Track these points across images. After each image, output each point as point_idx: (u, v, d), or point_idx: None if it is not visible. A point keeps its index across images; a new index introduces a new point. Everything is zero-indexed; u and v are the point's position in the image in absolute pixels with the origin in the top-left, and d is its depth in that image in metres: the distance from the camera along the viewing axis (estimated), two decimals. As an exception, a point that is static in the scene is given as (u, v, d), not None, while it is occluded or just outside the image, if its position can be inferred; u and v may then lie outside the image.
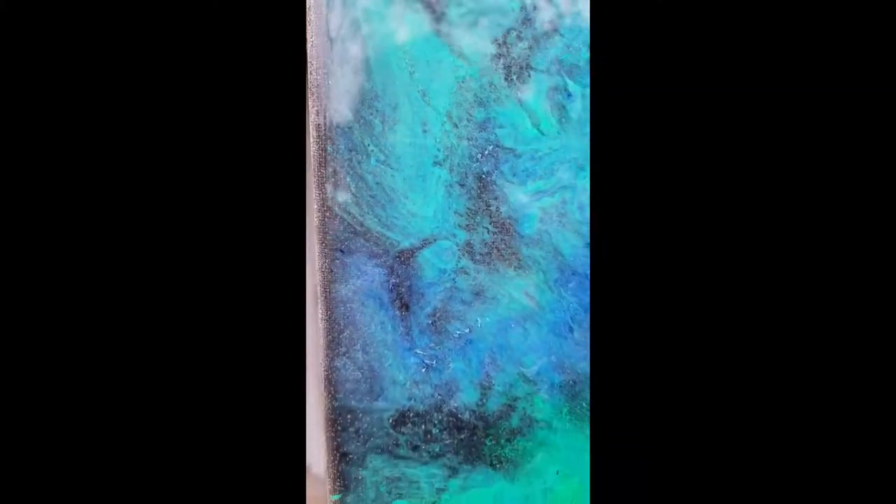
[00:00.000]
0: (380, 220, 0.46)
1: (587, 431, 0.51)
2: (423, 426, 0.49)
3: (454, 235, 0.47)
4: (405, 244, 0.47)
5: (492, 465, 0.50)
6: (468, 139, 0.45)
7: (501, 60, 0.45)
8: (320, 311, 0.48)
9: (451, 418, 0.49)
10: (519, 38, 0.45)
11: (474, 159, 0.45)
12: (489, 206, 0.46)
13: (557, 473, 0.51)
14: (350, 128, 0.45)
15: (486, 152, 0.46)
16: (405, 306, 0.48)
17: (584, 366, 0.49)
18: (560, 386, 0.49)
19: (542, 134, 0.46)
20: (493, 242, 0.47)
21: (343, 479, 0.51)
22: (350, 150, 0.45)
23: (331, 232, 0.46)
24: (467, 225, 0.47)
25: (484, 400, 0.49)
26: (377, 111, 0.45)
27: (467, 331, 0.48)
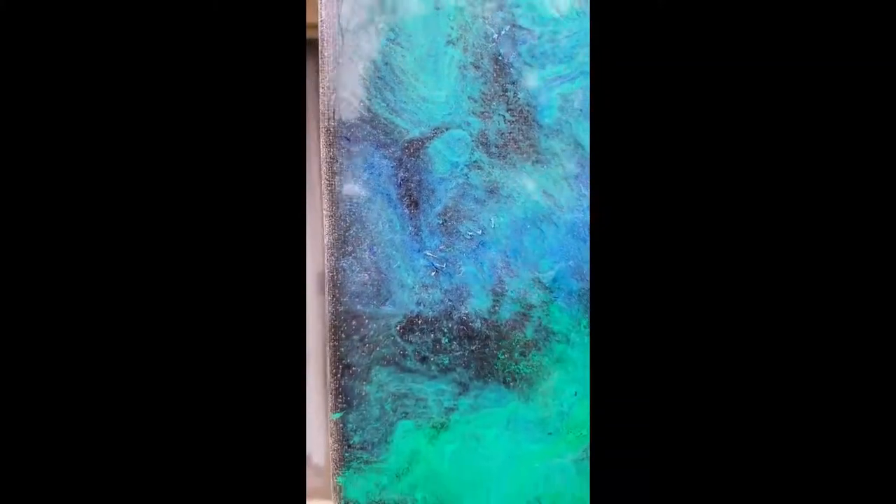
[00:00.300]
0: (388, 104, 0.43)
1: (608, 347, 0.47)
2: (431, 335, 0.46)
3: (468, 124, 0.44)
4: (415, 133, 0.44)
5: (505, 382, 0.47)
6: (484, 17, 0.42)
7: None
8: (324, 208, 0.45)
9: (461, 327, 0.46)
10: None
11: (490, 39, 0.43)
12: (506, 91, 0.44)
13: (576, 395, 0.48)
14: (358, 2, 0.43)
15: (503, 32, 0.43)
16: (414, 203, 0.45)
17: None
18: (578, 294, 0.46)
19: (562, 16, 0.43)
20: (510, 133, 0.44)
21: (345, 394, 0.48)
22: (358, 28, 0.43)
23: (335, 117, 0.44)
24: (482, 112, 0.44)
25: (496, 308, 0.46)
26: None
27: (480, 232, 0.45)
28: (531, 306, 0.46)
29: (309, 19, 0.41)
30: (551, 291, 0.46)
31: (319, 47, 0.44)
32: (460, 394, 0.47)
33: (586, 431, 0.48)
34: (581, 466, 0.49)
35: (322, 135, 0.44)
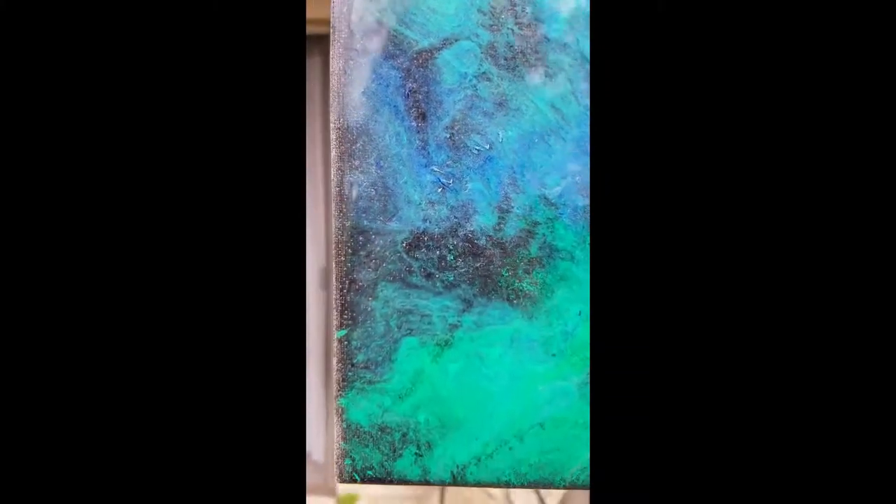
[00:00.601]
0: (398, 16, 0.44)
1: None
2: (437, 251, 0.47)
3: (477, 35, 0.44)
4: (424, 44, 0.44)
5: (508, 299, 0.47)
6: (494, -73, 0.43)
7: None
8: (333, 119, 0.46)
9: (466, 244, 0.46)
10: None
11: (500, -50, 0.43)
12: (514, 4, 0.44)
13: (580, 314, 0.48)
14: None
15: (513, -57, 0.43)
16: (422, 116, 0.45)
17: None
18: (584, 210, 0.46)
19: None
20: (519, 46, 0.44)
21: (351, 310, 0.48)
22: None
23: (346, 28, 0.44)
24: (491, 25, 0.44)
25: (502, 225, 0.46)
26: None
27: (487, 146, 0.45)
28: (536, 223, 0.46)
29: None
30: (557, 208, 0.46)
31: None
32: (464, 311, 0.47)
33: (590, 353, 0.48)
34: (586, 391, 0.49)
35: (332, 45, 0.44)
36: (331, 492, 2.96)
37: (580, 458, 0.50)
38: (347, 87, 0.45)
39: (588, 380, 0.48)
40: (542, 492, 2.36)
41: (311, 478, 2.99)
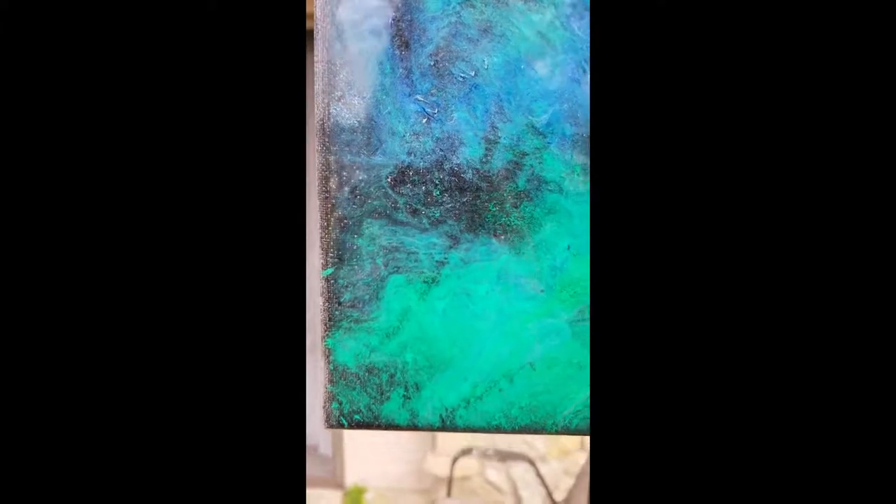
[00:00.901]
0: (380, -61, 0.43)
1: (602, 200, 0.46)
2: (423, 186, 0.46)
3: (459, -41, 0.43)
4: (406, -32, 0.43)
5: (495, 234, 0.46)
6: None
7: None
8: (317, 52, 0.45)
9: (452, 178, 0.45)
10: None
11: None
12: (497, -75, 0.43)
13: (569, 249, 0.47)
14: None
15: None
16: (405, 44, 0.44)
17: (600, 117, 0.45)
18: (572, 139, 0.45)
19: None
20: (502, -31, 0.43)
21: (336, 249, 0.47)
22: None
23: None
24: (473, -52, 0.43)
25: (489, 157, 0.45)
26: None
27: (472, 73, 0.44)
28: (524, 154, 0.45)
29: None
30: (544, 136, 0.45)
31: None
32: (451, 247, 0.46)
33: (580, 290, 0.47)
34: (577, 329, 0.47)
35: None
36: (338, 485, 2.96)
37: (573, 401, 0.48)
38: (330, 17, 0.44)
39: (580, 318, 0.47)
40: (550, 485, 2.34)
41: (318, 471, 2.98)
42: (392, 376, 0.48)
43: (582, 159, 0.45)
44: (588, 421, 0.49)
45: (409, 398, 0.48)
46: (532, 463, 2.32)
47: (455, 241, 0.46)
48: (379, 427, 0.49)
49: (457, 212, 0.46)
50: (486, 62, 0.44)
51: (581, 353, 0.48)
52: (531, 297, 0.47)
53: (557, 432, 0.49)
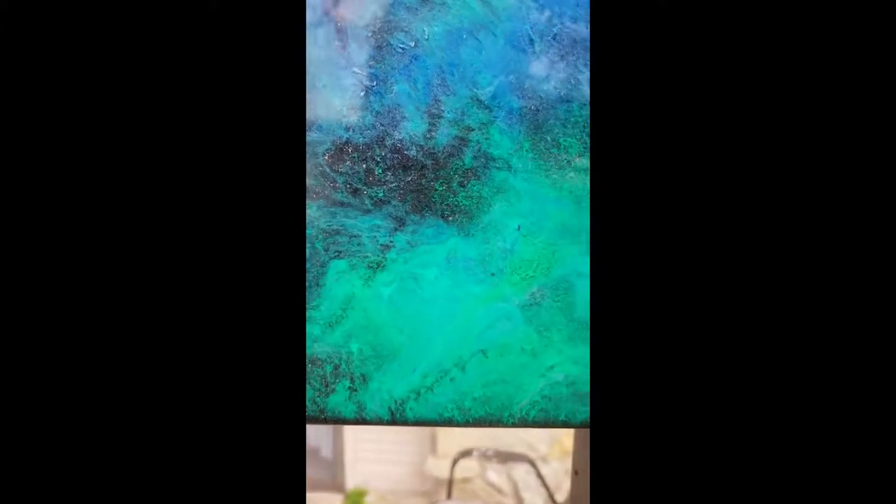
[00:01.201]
0: None
1: (554, 177, 0.43)
2: (364, 164, 0.43)
3: (394, -79, 0.41)
4: (339, -68, 0.41)
5: (443, 215, 0.44)
6: None
7: None
8: (247, 22, 0.42)
9: (395, 155, 0.43)
10: None
11: None
12: None
13: (519, 229, 0.44)
14: None
15: None
16: (340, 14, 0.42)
17: (547, 88, 0.42)
18: (520, 113, 0.42)
19: None
20: (440, -69, 0.41)
21: (276, 232, 0.44)
22: None
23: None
24: None
25: (432, 132, 0.43)
26: None
27: (412, 44, 0.42)
28: (469, 129, 0.43)
29: None
30: (490, 110, 0.42)
31: None
32: (396, 229, 0.44)
33: (532, 272, 0.44)
34: (529, 313, 0.45)
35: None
36: (339, 488, 2.93)
37: (529, 391, 0.46)
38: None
39: (532, 301, 0.45)
40: (551, 487, 2.31)
41: (319, 474, 2.96)
42: (337, 367, 0.45)
43: (530, 134, 0.43)
44: (546, 413, 0.46)
45: (356, 390, 0.46)
46: (533, 464, 2.29)
47: (400, 222, 0.44)
48: (325, 421, 0.46)
49: (401, 191, 0.43)
50: (426, 32, 0.42)
51: (534, 340, 0.45)
52: (481, 281, 0.44)
53: (514, 425, 0.46)
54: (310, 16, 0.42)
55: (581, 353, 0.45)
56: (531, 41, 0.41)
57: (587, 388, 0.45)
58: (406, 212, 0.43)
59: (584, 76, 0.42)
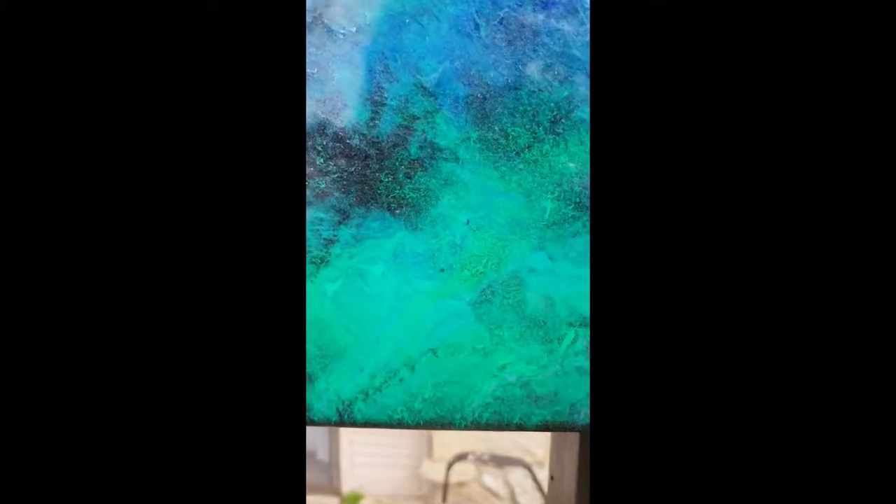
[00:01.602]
0: None
1: (503, 168, 0.42)
2: (304, 154, 0.41)
3: None
4: (275, -88, 0.39)
5: (389, 208, 0.42)
6: None
7: None
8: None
9: (337, 144, 0.41)
10: None
11: None
12: None
13: (468, 223, 0.42)
14: None
15: None
16: None
17: (494, 75, 0.40)
18: (466, 101, 0.41)
19: None
20: (380, -89, 0.39)
21: (217, 226, 0.43)
22: None
23: None
24: None
25: (376, 120, 0.41)
26: None
27: (353, 30, 0.40)
28: (414, 118, 0.41)
29: None
30: (435, 98, 0.40)
31: None
32: (340, 222, 0.42)
33: (482, 268, 0.42)
34: (480, 311, 0.43)
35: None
36: (335, 491, 2.92)
37: (480, 392, 0.44)
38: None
39: (483, 299, 0.43)
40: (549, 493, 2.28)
41: (316, 477, 2.94)
42: (281, 366, 0.43)
43: (477, 124, 0.41)
44: (500, 416, 0.44)
45: (302, 390, 0.44)
46: (529, 468, 2.26)
47: (344, 215, 0.42)
48: (271, 422, 0.45)
49: (344, 182, 0.41)
50: (367, 17, 0.40)
51: (485, 338, 0.43)
52: (430, 277, 0.43)
53: (466, 427, 0.45)
54: (248, 0, 0.40)
55: (533, 351, 0.43)
56: (476, 26, 0.40)
57: (541, 390, 0.44)
58: (350, 204, 0.42)
59: (535, 64, 0.40)
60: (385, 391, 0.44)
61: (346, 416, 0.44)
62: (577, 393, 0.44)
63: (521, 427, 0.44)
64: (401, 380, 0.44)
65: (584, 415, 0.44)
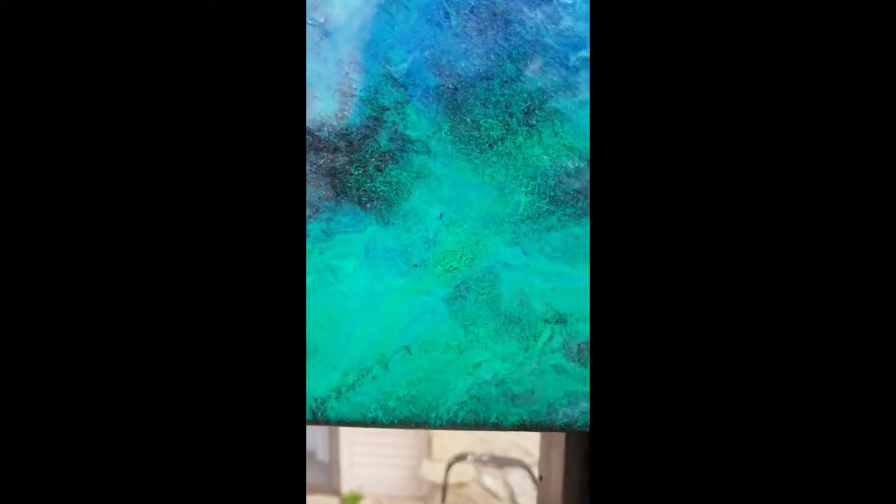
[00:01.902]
0: None
1: (476, 161, 0.41)
2: (273, 148, 0.40)
3: None
4: None
5: (360, 202, 0.41)
6: None
7: None
8: None
9: (306, 136, 0.40)
10: None
11: None
12: None
13: (441, 218, 0.41)
14: None
15: None
16: (246, -13, 0.39)
17: (465, 65, 0.39)
18: (437, 92, 0.40)
19: None
20: None
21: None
22: None
23: None
24: None
25: (345, 111, 0.40)
26: None
27: (321, 19, 0.39)
28: (384, 109, 0.40)
29: None
30: (405, 88, 0.39)
31: None
32: (310, 216, 0.41)
33: (456, 264, 0.41)
34: (454, 307, 0.42)
35: None
36: (335, 492, 2.91)
37: (455, 390, 0.43)
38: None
39: (457, 294, 0.42)
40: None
41: (316, 477, 2.94)
42: (251, 364, 0.42)
43: (448, 115, 0.40)
44: (476, 415, 0.43)
45: (273, 389, 0.43)
46: (528, 469, 2.25)
47: (314, 210, 0.41)
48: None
49: (313, 175, 0.41)
50: (335, 7, 0.39)
51: (460, 335, 0.42)
52: (403, 273, 0.42)
53: (442, 426, 0.44)
54: (214, -10, 0.39)
55: (508, 348, 0.42)
56: (447, 14, 0.39)
57: (517, 389, 0.42)
58: (319, 197, 0.41)
59: (507, 53, 0.39)
60: (358, 389, 0.43)
61: (319, 415, 0.44)
62: (554, 392, 0.43)
63: (497, 426, 0.43)
64: (374, 378, 0.43)
65: (562, 414, 0.43)
